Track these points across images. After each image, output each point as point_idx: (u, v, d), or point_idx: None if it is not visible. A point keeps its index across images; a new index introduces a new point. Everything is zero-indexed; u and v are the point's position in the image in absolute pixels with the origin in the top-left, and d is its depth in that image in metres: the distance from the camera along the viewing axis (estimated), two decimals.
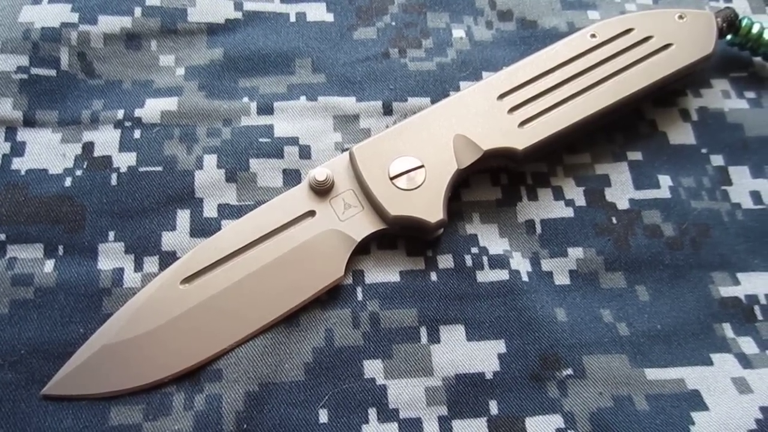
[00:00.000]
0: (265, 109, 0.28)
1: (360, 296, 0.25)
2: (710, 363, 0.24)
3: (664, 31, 0.28)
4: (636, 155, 0.29)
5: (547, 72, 0.27)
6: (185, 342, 0.23)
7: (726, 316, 0.26)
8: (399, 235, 0.26)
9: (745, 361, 0.25)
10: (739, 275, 0.26)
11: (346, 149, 0.27)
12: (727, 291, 0.26)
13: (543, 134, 0.26)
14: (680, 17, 0.29)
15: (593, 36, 0.28)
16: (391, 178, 0.25)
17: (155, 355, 0.23)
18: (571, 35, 0.28)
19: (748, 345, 0.25)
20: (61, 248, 0.25)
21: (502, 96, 0.27)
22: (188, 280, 0.24)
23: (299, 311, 0.24)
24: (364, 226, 0.25)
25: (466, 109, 0.26)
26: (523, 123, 0.26)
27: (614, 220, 0.27)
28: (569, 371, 0.24)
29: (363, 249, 0.25)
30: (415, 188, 0.25)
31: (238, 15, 0.31)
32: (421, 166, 0.25)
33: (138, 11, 0.30)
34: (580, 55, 0.27)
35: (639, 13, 0.29)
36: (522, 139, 0.26)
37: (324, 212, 0.25)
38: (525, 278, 0.25)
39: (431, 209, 0.24)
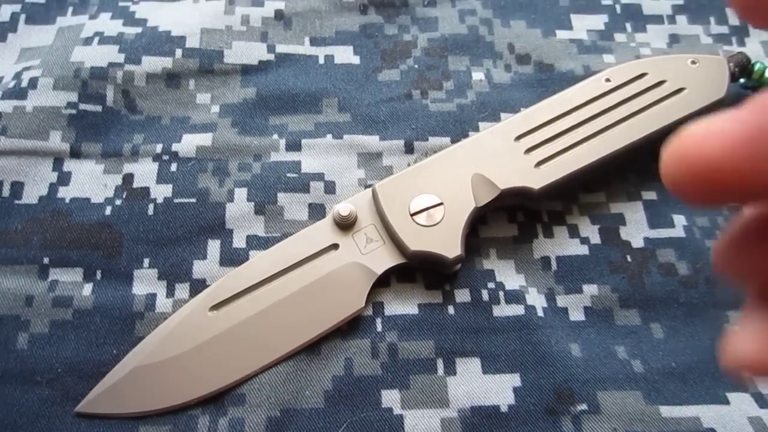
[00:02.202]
0: (294, 146, 0.30)
1: (379, 327, 0.26)
2: (726, 402, 0.25)
3: (677, 75, 0.29)
4: (651, 195, 0.29)
5: (563, 114, 0.28)
6: (212, 366, 0.24)
7: None
8: (418, 269, 0.27)
9: (762, 400, 0.25)
10: None
11: (369, 186, 0.28)
12: None
13: (558, 174, 0.27)
14: (693, 62, 0.30)
15: (608, 80, 0.29)
16: (412, 215, 0.26)
17: (183, 379, 0.24)
18: (586, 79, 0.29)
19: (765, 385, 0.25)
20: (99, 273, 0.26)
21: (519, 137, 0.28)
22: (216, 307, 0.25)
23: (320, 340, 0.25)
24: (385, 259, 0.26)
25: (484, 149, 0.27)
26: (539, 163, 0.27)
27: (629, 258, 0.28)
28: (584, 406, 0.24)
29: (383, 282, 0.26)
30: (434, 225, 0.26)
31: (271, 57, 0.33)
32: (441, 204, 0.26)
33: (179, 53, 0.32)
34: (595, 99, 0.29)
35: (652, 58, 0.30)
36: (538, 179, 0.27)
37: (347, 246, 0.26)
38: (540, 313, 0.26)
39: (449, 245, 0.25)
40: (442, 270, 0.26)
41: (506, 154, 0.27)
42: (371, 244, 0.26)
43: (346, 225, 0.26)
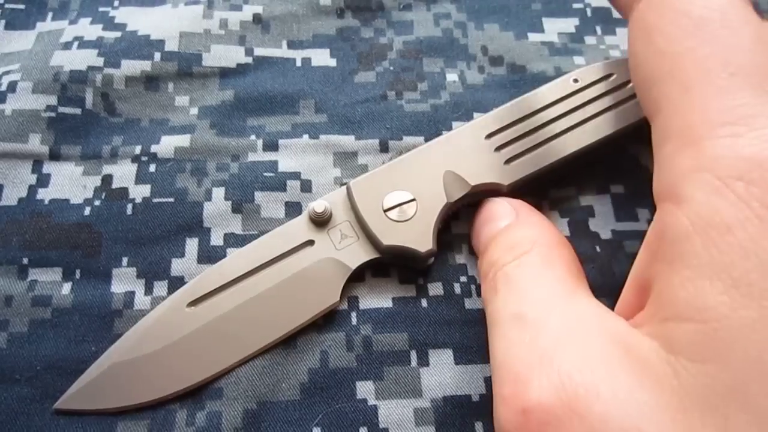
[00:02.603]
0: (271, 146, 0.30)
1: (354, 321, 0.26)
2: None
3: None
4: (618, 188, 0.30)
5: (532, 113, 0.29)
6: (189, 361, 0.25)
7: None
8: (392, 264, 0.27)
9: None
10: None
11: (344, 183, 0.29)
12: None
13: (527, 171, 0.28)
14: None
15: (576, 80, 0.30)
16: (385, 211, 0.27)
17: (161, 374, 0.24)
18: (555, 80, 0.30)
19: None
20: (78, 272, 0.27)
21: (489, 135, 0.28)
22: (194, 303, 0.26)
23: (296, 334, 0.26)
24: (359, 255, 0.26)
25: (455, 147, 0.28)
26: (508, 160, 0.28)
27: (598, 249, 0.28)
28: None
29: (358, 276, 0.27)
30: (407, 220, 0.26)
31: (249, 60, 0.33)
32: (413, 200, 0.27)
33: (157, 56, 0.33)
34: (563, 98, 0.29)
35: (618, 59, 0.31)
36: (507, 176, 0.28)
37: (322, 242, 0.27)
38: None
39: (421, 239, 0.26)
40: (416, 265, 0.27)
41: (477, 152, 0.28)
42: (346, 240, 0.27)
43: (321, 222, 0.27)
